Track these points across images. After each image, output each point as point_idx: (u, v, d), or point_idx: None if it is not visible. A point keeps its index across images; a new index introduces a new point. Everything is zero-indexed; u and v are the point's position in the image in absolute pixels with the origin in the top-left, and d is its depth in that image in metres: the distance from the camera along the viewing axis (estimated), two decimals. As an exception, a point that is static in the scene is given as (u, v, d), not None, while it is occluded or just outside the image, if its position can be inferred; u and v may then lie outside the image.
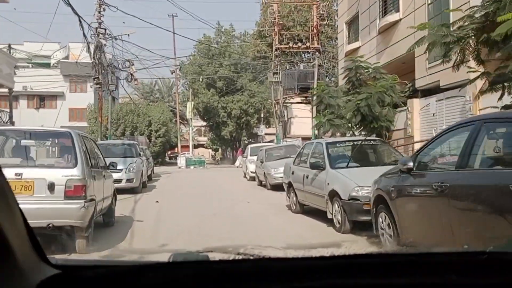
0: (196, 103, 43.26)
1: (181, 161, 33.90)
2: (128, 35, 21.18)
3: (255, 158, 19.80)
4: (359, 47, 19.75)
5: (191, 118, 37.22)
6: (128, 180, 13.76)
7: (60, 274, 1.21)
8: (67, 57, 47.16)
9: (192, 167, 32.92)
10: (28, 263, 1.13)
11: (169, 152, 74.03)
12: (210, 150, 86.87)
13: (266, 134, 48.30)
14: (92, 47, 19.08)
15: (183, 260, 1.39)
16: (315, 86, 23.67)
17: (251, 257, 1.42)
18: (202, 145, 72.52)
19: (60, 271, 1.22)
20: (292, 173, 10.29)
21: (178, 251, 1.45)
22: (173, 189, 16.53)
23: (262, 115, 45.24)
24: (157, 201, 12.19)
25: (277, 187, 14.66)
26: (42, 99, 45.84)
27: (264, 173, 15.99)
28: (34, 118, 44.24)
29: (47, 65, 45.76)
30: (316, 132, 17.92)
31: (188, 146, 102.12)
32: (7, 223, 1.02)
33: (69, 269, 1.27)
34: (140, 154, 15.28)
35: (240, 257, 1.41)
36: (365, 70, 15.72)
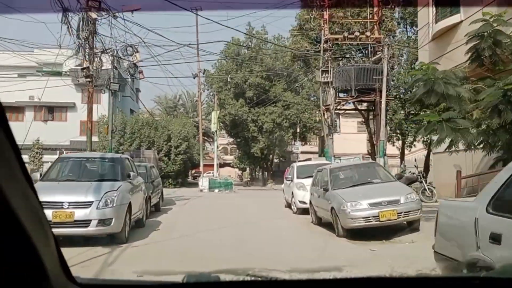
0: (223, 115, 37.45)
1: (203, 182, 27.90)
2: (132, 12, 15.48)
3: (305, 181, 13.88)
4: (460, 22, 13.52)
5: (216, 131, 31.29)
6: (102, 222, 7.77)
7: None
8: (80, 65, 42.09)
9: (216, 190, 26.84)
10: (58, 283, 1.20)
11: (193, 171, 68.47)
12: (236, 170, 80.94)
13: (302, 152, 42.10)
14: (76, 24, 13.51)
15: (196, 281, 1.53)
16: (384, 84, 17.47)
17: (259, 279, 1.57)
18: (228, 164, 66.94)
19: None
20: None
21: (191, 273, 1.53)
22: (184, 232, 10.42)
23: (297, 130, 39.11)
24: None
25: (357, 234, 8.64)
26: (51, 111, 40.90)
27: (332, 209, 9.76)
28: (41, 131, 39.38)
29: (58, 74, 41.00)
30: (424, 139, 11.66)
31: (212, 165, 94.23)
32: (42, 245, 1.09)
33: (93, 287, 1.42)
34: (130, 176, 9.26)
35: (249, 278, 1.55)
36: (507, 41, 9.67)
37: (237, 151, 46.48)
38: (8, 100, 38.36)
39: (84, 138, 35.61)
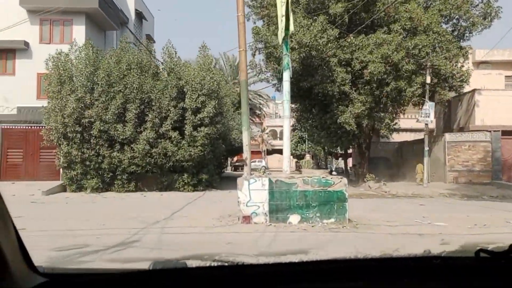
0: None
1: (246, 193, 9.42)
2: None
3: None
4: None
5: (285, 41, 11.95)
6: None
7: (48, 282, 1.30)
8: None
9: (293, 218, 8.61)
10: (19, 272, 1.20)
11: (234, 160, 50.46)
12: (291, 158, 62.38)
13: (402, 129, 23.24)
14: None
15: (163, 267, 1.47)
16: None
17: (226, 264, 1.59)
18: (278, 151, 49.75)
19: (47, 279, 1.31)
20: None
21: (157, 259, 1.50)
22: None
23: (428, 79, 20.23)
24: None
25: None
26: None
27: None
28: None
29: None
30: None
31: (259, 153, 73.96)
32: (2, 235, 1.10)
33: (56, 277, 1.36)
34: None
35: (215, 264, 1.56)
36: None
37: (307, 122, 27.64)
38: None
39: (43, 103, 18.47)
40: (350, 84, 20.40)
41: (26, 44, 23.23)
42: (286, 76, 10.52)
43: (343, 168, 40.56)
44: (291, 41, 19.46)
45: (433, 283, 1.45)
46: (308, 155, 56.46)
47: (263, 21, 21.76)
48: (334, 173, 23.71)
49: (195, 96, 18.14)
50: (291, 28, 10.55)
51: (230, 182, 23.88)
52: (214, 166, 20.97)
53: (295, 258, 1.49)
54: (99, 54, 19.16)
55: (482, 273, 1.49)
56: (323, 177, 8.81)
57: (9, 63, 23.67)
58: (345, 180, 8.98)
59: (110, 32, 28.02)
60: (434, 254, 1.62)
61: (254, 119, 54.67)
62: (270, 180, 8.83)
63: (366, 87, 20.29)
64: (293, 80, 22.06)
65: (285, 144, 10.15)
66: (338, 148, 30.74)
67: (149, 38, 31.59)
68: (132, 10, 29.24)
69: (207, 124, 18.35)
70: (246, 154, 10.73)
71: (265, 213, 9.06)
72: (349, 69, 20.31)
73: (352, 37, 19.81)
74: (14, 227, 1.19)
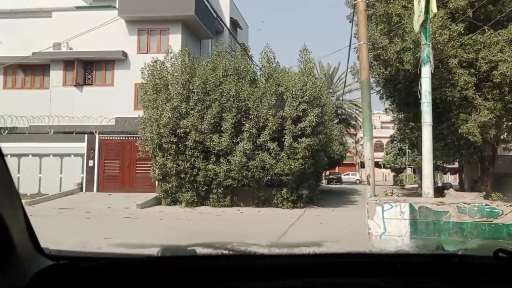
0: (399, 50, 16.73)
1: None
2: None
3: None
4: None
5: (424, 27, 9.24)
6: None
7: (55, 265, 1.30)
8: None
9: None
10: (26, 254, 1.19)
11: (327, 173, 48.12)
12: (384, 171, 58.80)
13: None
14: None
15: (172, 255, 1.46)
16: None
17: (237, 253, 1.54)
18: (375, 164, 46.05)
19: (54, 262, 1.31)
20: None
21: (167, 246, 1.50)
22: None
23: None
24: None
25: None
26: (89, 67, 24.02)
27: None
28: (70, 103, 23.09)
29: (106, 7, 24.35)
30: None
31: (352, 165, 71.65)
32: (10, 217, 1.09)
33: (63, 260, 1.34)
34: None
35: (226, 252, 1.52)
36: None
37: (410, 135, 24.82)
38: (14, 52, 22.64)
39: (139, 114, 18.23)
40: (474, 88, 17.52)
41: (124, 54, 23.32)
42: (426, 71, 8.47)
43: (451, 183, 36.59)
44: (405, 39, 17.17)
45: (450, 281, 1.40)
46: (409, 168, 52.68)
47: (370, 20, 19.65)
48: (451, 190, 20.70)
49: (295, 104, 16.48)
50: (434, 9, 8.47)
51: (329, 197, 21.89)
52: (314, 180, 19.11)
53: (308, 250, 1.44)
54: (195, 62, 18.31)
55: (500, 273, 1.43)
56: (486, 205, 6.59)
57: (108, 74, 23.93)
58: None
59: (205, 42, 27.53)
60: (451, 251, 1.59)
61: (348, 130, 51.94)
62: (411, 207, 6.80)
63: (494, 91, 17.27)
64: (402, 86, 19.61)
65: (426, 158, 8.06)
66: (450, 162, 27.31)
67: (243, 47, 30.72)
68: (227, 18, 28.53)
69: (309, 134, 16.59)
70: (368, 170, 8.76)
71: (401, 248, 7.01)
72: (472, 70, 17.46)
73: (478, 34, 16.99)
74: (22, 207, 1.17)
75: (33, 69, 24.05)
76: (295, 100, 16.54)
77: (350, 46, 16.11)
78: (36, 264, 1.23)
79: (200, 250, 1.46)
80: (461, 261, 1.45)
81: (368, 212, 7.04)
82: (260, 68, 17.36)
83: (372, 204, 7.09)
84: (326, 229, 11.40)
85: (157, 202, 17.85)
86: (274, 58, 17.80)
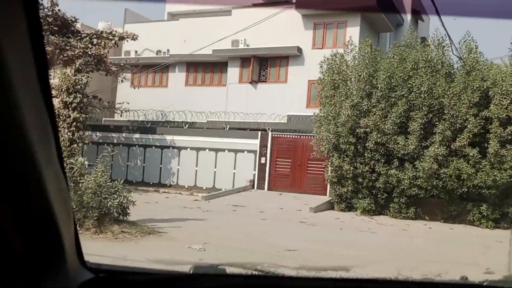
0: None
1: None
2: None
3: None
4: None
5: None
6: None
7: (95, 278, 1.34)
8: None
9: None
10: (73, 266, 1.22)
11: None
12: None
13: None
14: None
15: (204, 273, 1.50)
16: None
17: (266, 274, 1.59)
18: None
19: (94, 275, 1.34)
20: None
21: (199, 264, 1.53)
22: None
23: None
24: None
25: None
26: (263, 64, 23.88)
27: None
28: (247, 99, 23.20)
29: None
30: None
31: None
32: (64, 229, 1.09)
33: (102, 273, 1.38)
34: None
35: (256, 273, 1.58)
36: None
37: None
38: (197, 51, 23.28)
39: (312, 112, 17.49)
40: None
41: (299, 50, 22.54)
42: None
43: None
44: None
45: None
46: None
47: None
48: None
49: (506, 102, 13.48)
50: None
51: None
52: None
53: (335, 275, 1.53)
54: (377, 55, 16.48)
55: None
56: None
57: (282, 70, 23.46)
58: None
59: (382, 36, 25.37)
60: (476, 282, 1.55)
61: None
62: None
63: None
64: None
65: None
66: None
67: (424, 41, 27.64)
68: (409, 9, 25.86)
69: (521, 139, 13.45)
70: None
71: None
72: None
73: None
74: (75, 221, 1.17)
75: (212, 67, 24.87)
76: (505, 98, 13.54)
77: None
78: (79, 277, 1.25)
79: (231, 270, 1.49)
80: None
81: None
82: (460, 58, 14.70)
83: None
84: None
85: (330, 206, 16.53)
86: (477, 48, 14.92)
